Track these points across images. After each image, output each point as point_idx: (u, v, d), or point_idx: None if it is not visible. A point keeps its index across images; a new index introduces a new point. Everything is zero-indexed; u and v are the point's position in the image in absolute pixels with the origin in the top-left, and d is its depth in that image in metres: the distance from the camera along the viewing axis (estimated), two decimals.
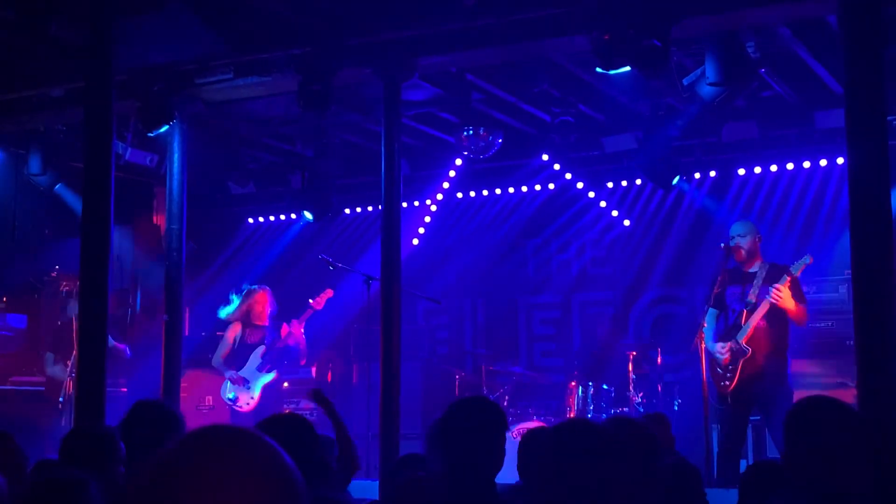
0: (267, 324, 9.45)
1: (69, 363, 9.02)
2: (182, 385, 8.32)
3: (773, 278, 7.55)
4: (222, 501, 1.19)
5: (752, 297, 7.58)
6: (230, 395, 9.31)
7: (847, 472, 2.79)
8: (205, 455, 1.23)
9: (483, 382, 10.22)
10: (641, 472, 2.66)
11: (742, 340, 7.53)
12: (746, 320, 7.56)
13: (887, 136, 5.19)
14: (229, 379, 9.31)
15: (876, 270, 5.03)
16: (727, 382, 7.54)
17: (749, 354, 7.50)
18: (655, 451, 3.10)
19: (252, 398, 9.25)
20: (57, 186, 10.07)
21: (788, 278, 7.43)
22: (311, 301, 9.42)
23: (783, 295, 7.38)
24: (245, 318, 9.48)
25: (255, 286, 9.73)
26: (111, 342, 9.34)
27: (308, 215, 10.76)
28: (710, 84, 7.01)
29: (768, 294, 7.47)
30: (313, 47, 7.39)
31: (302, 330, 9.40)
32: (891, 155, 5.16)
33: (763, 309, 7.50)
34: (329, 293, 9.50)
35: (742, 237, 7.74)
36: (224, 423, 1.33)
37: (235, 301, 9.53)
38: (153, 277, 10.88)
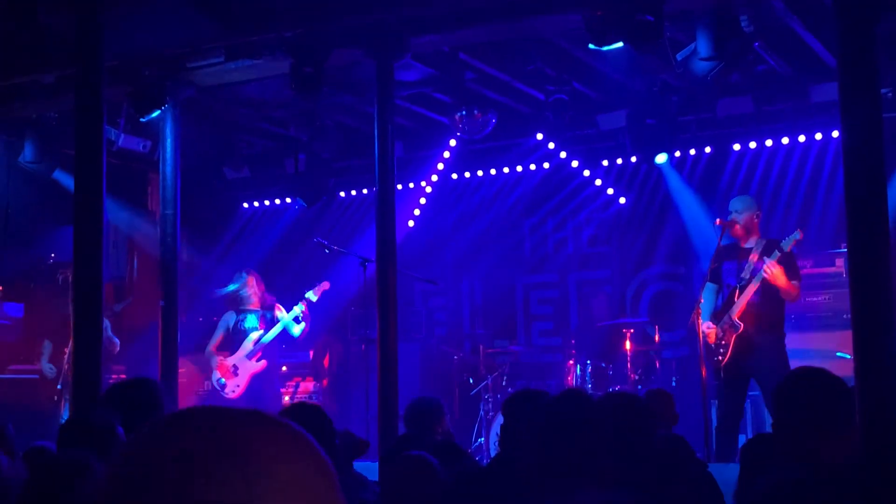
0: (258, 307, 9.46)
1: (66, 351, 9.03)
2: (180, 370, 8.33)
3: (768, 253, 7.55)
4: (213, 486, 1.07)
5: (745, 273, 7.58)
6: (220, 381, 9.33)
7: (835, 441, 2.80)
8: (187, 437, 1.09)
9: (481, 363, 10.23)
10: (635, 444, 2.66)
11: (734, 316, 7.54)
12: (739, 296, 7.56)
13: (881, 110, 5.17)
14: (215, 367, 9.34)
15: (871, 243, 5.02)
16: (720, 358, 7.55)
17: (741, 330, 7.50)
18: (652, 426, 3.10)
19: (238, 385, 9.26)
20: (55, 172, 10.03)
21: (779, 254, 7.43)
22: (306, 293, 9.41)
23: (774, 272, 7.37)
24: (236, 302, 9.49)
25: (245, 271, 9.74)
26: (109, 332, 9.38)
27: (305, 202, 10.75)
28: (704, 59, 6.97)
29: (760, 272, 7.47)
30: (304, 29, 7.35)
31: (307, 311, 9.40)
32: (885, 128, 5.15)
33: (755, 285, 7.49)
34: (325, 286, 9.50)
35: (739, 213, 7.74)
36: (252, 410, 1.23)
37: (233, 286, 9.55)
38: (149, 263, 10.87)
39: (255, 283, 9.53)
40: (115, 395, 4.35)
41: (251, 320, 9.42)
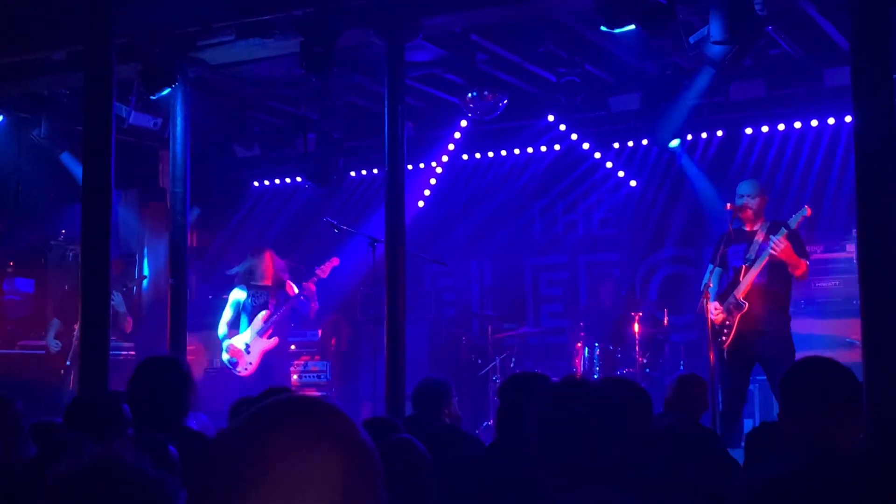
0: (270, 284, 9.43)
1: (76, 327, 9.06)
2: (189, 348, 8.35)
3: (773, 233, 7.53)
4: (305, 470, 1.22)
5: (751, 254, 7.56)
6: (231, 360, 9.28)
7: (842, 430, 2.79)
8: (287, 423, 1.26)
9: (489, 344, 10.24)
10: (636, 428, 2.66)
11: (739, 295, 7.52)
12: (745, 275, 7.55)
13: (894, 95, 5.12)
14: (226, 346, 9.29)
15: (881, 229, 4.99)
16: (724, 338, 7.54)
17: (745, 309, 7.49)
18: (649, 409, 3.10)
19: (250, 363, 9.22)
20: (62, 155, 10.05)
21: (786, 231, 7.42)
22: (316, 269, 9.40)
23: (782, 247, 7.36)
24: (248, 278, 9.45)
25: (260, 248, 9.74)
26: (123, 308, 9.40)
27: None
28: (716, 42, 6.91)
29: (767, 249, 7.45)
30: (315, 8, 7.32)
31: (314, 289, 9.38)
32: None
33: (761, 263, 7.48)
34: (335, 262, 9.48)
35: (751, 196, 7.72)
36: (303, 394, 1.39)
37: (247, 262, 9.55)
38: (160, 242, 10.89)
39: (269, 260, 9.50)
40: (146, 371, 4.37)
41: (261, 297, 9.39)
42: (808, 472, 1.85)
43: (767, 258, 7.45)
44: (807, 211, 7.51)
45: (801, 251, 7.52)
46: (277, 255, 9.68)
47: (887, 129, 5.01)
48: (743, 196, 7.75)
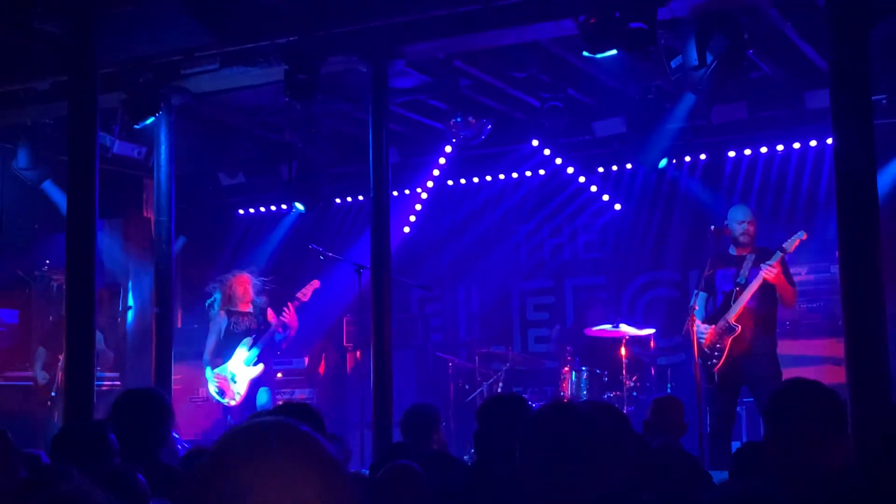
0: (250, 309, 9.35)
1: (61, 358, 9.01)
2: (175, 377, 8.31)
3: (761, 260, 7.55)
4: (278, 492, 1.24)
5: (741, 278, 7.58)
6: (218, 391, 9.17)
7: (827, 452, 2.80)
8: (257, 448, 1.28)
9: (477, 369, 10.22)
10: (620, 452, 2.66)
11: (731, 319, 7.54)
12: (737, 299, 7.57)
13: (872, 117, 5.17)
14: (212, 377, 9.15)
15: (863, 250, 5.03)
16: (715, 361, 7.55)
17: (738, 333, 7.50)
18: (629, 432, 3.11)
19: (238, 393, 9.12)
20: (44, 183, 10.02)
21: (781, 254, 7.44)
22: (297, 293, 9.35)
23: (776, 272, 7.38)
24: (228, 304, 9.37)
25: (233, 271, 9.64)
26: (102, 345, 9.32)
27: (299, 206, 10.68)
28: (692, 68, 6.97)
29: (759, 273, 7.46)
30: (299, 36, 7.36)
31: (294, 313, 9.28)
32: (876, 135, 5.15)
33: (754, 287, 7.50)
34: (316, 284, 9.43)
35: (738, 222, 7.72)
36: (272, 418, 1.38)
37: (216, 293, 9.43)
38: (145, 271, 10.86)
39: (243, 283, 9.37)
40: (125, 404, 4.35)
41: (242, 324, 9.29)
42: (791, 491, 1.87)
43: (760, 283, 7.46)
44: (803, 235, 7.50)
45: (788, 277, 7.55)
46: (258, 281, 9.57)
47: (867, 150, 5.05)
48: (743, 222, 7.71)
